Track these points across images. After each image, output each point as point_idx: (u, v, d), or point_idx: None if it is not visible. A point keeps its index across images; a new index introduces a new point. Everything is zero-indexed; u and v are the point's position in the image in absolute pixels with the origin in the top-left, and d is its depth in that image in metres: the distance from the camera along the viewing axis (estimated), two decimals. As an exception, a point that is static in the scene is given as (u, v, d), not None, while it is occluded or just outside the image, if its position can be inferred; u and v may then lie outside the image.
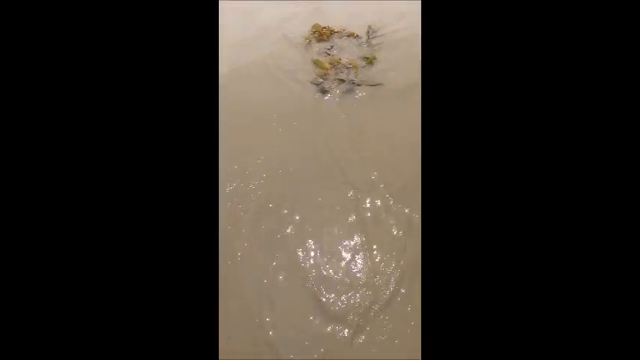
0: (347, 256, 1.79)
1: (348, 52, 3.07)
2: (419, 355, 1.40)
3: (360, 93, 2.64)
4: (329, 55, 3.05)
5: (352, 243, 1.84)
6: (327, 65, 2.90)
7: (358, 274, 1.73)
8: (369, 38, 3.22)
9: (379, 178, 2.07)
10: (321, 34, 3.24)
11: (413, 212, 1.89)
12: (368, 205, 1.97)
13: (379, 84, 2.67)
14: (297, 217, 1.93)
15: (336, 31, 3.32)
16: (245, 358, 1.59)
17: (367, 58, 2.95)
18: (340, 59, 2.96)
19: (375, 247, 1.81)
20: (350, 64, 2.86)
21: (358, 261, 1.77)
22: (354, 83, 2.69)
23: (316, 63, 2.92)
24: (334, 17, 3.69)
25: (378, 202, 1.96)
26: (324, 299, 1.65)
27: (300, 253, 1.81)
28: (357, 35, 3.23)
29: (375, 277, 1.71)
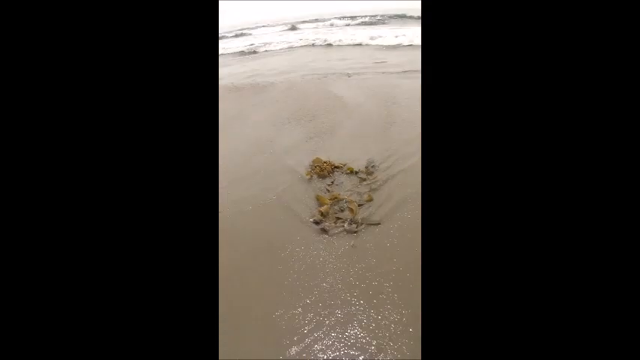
0: None
1: (348, 189, 3.29)
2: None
3: (359, 232, 2.74)
4: (329, 191, 3.27)
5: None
6: (327, 201, 3.09)
7: None
8: (368, 174, 3.48)
9: (376, 327, 2.02)
10: (322, 170, 3.53)
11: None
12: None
13: (377, 223, 2.79)
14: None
15: (336, 165, 3.63)
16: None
17: (366, 195, 3.14)
18: (340, 195, 3.16)
19: None
20: (349, 202, 3.04)
21: None
22: (353, 222, 2.82)
23: (317, 199, 3.12)
24: (336, 149, 4.09)
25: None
26: None
27: None
28: (356, 172, 3.50)
29: None
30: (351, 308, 2.15)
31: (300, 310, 2.17)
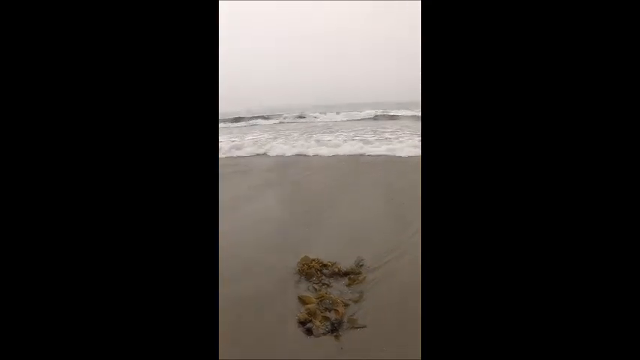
0: None
1: (335, 289, 3.38)
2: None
3: (346, 335, 2.76)
4: (317, 290, 3.35)
5: None
6: (313, 300, 3.15)
7: None
8: (356, 273, 3.60)
9: None
10: (309, 268, 3.64)
11: None
12: None
13: (363, 326, 2.83)
14: None
15: (324, 264, 3.76)
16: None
17: (354, 295, 3.22)
18: (327, 295, 3.23)
19: None
20: (335, 302, 3.10)
21: None
22: (339, 324, 2.85)
23: (302, 299, 3.18)
24: (326, 245, 4.25)
25: None
26: None
27: None
28: (344, 272, 3.63)
29: None
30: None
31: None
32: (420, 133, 12.90)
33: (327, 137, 14.38)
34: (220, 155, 13.23)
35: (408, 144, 11.16)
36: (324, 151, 11.30)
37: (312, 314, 2.98)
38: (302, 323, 2.91)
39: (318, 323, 2.88)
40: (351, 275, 3.60)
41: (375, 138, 13.19)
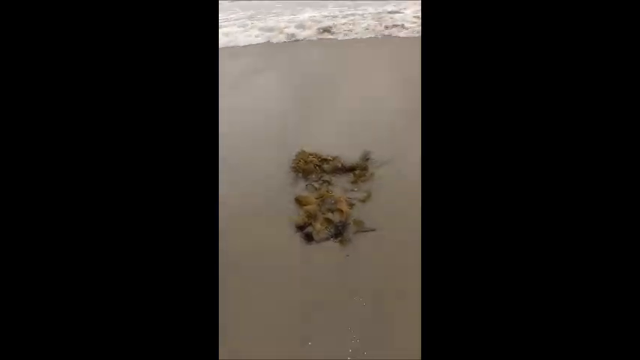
0: None
1: (338, 186, 2.92)
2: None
3: (350, 240, 2.39)
4: (316, 189, 2.89)
5: None
6: (313, 201, 2.72)
7: None
8: (363, 168, 3.10)
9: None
10: (307, 163, 3.14)
11: None
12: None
13: (371, 229, 2.44)
14: None
15: (324, 158, 3.24)
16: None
17: (360, 194, 2.78)
18: (329, 192, 2.80)
19: None
20: (338, 201, 2.67)
21: None
22: (344, 226, 2.46)
23: (300, 200, 2.74)
24: (326, 137, 3.69)
25: None
26: None
27: None
28: (349, 167, 3.11)
29: None
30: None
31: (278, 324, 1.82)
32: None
33: (318, 12, 12.69)
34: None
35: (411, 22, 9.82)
36: (316, 29, 9.94)
37: (311, 217, 2.57)
38: (300, 228, 2.51)
39: (318, 227, 2.48)
40: (357, 171, 3.09)
41: (372, 13, 11.62)
